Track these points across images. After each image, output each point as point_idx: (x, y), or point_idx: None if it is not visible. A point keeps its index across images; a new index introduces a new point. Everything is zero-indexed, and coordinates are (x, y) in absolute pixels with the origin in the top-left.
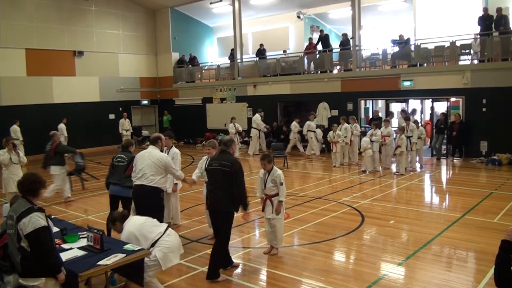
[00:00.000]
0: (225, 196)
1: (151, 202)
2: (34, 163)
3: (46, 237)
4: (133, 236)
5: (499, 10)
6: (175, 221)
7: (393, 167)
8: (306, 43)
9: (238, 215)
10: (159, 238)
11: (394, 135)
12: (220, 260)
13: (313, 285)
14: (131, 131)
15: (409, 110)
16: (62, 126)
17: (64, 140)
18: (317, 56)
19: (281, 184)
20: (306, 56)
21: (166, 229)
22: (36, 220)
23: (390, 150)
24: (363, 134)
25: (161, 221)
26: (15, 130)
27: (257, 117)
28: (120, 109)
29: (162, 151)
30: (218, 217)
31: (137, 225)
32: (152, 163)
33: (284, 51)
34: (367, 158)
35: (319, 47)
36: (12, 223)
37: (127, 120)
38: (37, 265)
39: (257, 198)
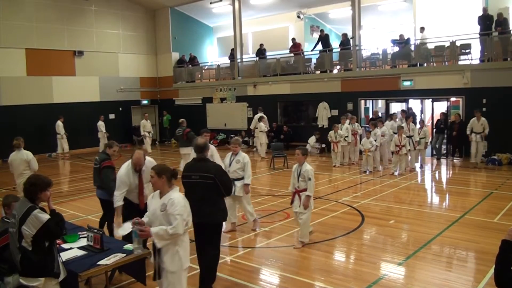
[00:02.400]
0: (214, 208)
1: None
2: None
3: (54, 227)
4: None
5: (500, 15)
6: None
7: (393, 167)
8: (307, 43)
9: (238, 215)
10: None
11: (388, 136)
12: (216, 269)
13: (313, 285)
14: (153, 133)
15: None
16: (101, 123)
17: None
18: (304, 56)
19: (309, 179)
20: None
21: None
22: (40, 217)
23: (385, 150)
24: (368, 134)
25: None
26: (58, 125)
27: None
28: (120, 109)
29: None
30: (207, 231)
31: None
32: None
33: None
34: (368, 158)
35: (319, 47)
36: (15, 222)
37: (148, 121)
38: (36, 265)
39: (258, 198)
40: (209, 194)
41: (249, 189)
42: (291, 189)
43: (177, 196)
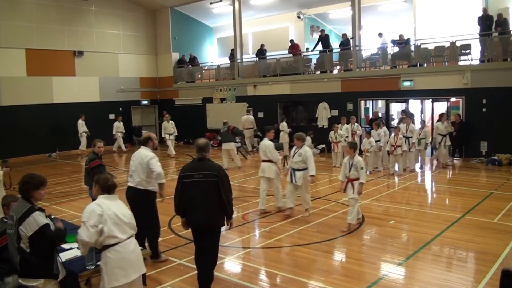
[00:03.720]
0: (215, 211)
1: (140, 205)
2: (32, 163)
3: (50, 233)
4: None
5: (500, 15)
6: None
7: (391, 167)
8: (307, 44)
9: (238, 215)
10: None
11: (388, 136)
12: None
13: (313, 285)
14: (176, 134)
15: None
16: (117, 124)
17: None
18: (303, 57)
19: (361, 168)
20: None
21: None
22: (38, 219)
23: (385, 151)
24: (369, 134)
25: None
26: (79, 124)
27: (249, 118)
28: (120, 109)
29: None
30: (207, 234)
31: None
32: (139, 163)
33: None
34: (367, 158)
35: (319, 47)
36: (12, 223)
37: (170, 122)
38: (35, 266)
39: (258, 198)
40: (211, 194)
41: (313, 179)
42: (342, 178)
43: (90, 204)
